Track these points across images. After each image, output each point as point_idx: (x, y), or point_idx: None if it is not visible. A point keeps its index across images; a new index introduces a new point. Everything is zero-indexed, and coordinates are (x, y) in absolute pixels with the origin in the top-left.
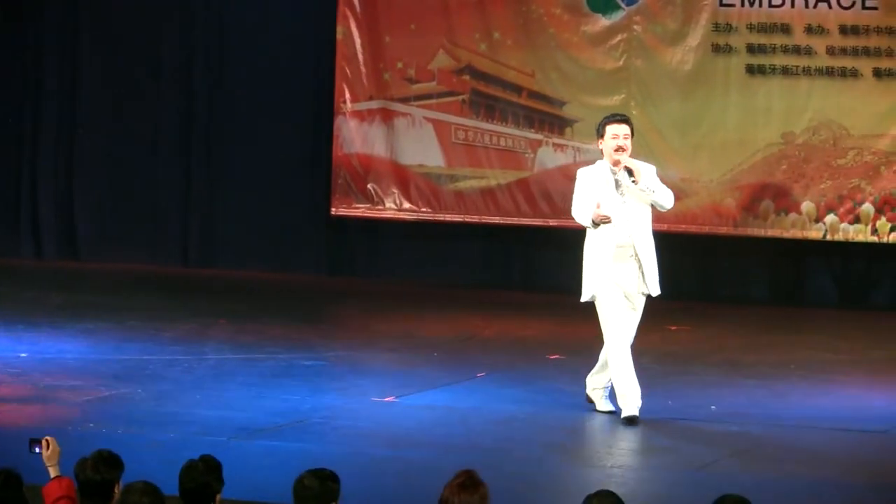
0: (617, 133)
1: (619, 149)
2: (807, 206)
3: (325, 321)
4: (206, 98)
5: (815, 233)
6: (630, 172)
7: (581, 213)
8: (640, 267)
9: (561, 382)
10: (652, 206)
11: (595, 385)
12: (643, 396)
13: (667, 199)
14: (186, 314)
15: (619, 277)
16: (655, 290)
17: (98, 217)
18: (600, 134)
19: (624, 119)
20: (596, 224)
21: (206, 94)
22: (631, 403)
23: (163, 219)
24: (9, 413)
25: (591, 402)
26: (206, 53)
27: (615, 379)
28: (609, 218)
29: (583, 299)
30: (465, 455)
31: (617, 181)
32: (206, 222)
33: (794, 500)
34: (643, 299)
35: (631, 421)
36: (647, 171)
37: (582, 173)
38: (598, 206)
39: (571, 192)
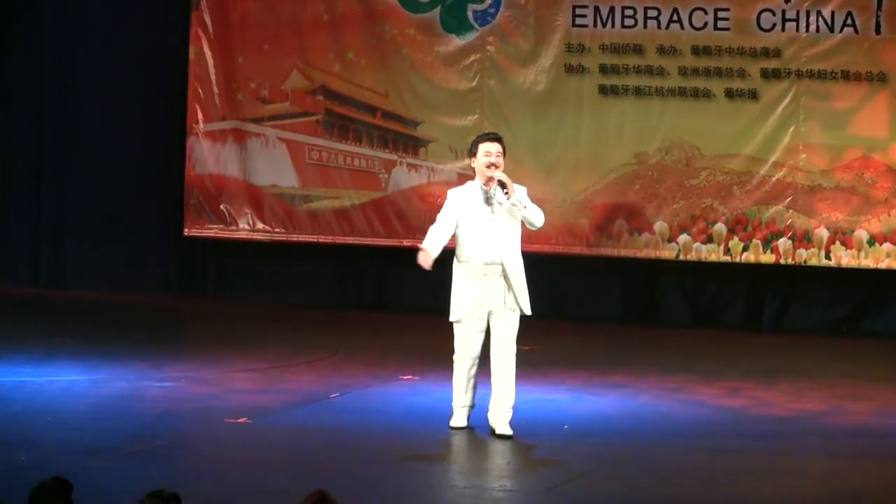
0: (490, 150)
1: (492, 165)
2: (660, 225)
3: (176, 342)
4: (55, 118)
5: (667, 252)
6: (503, 186)
7: (430, 236)
8: (508, 285)
9: (414, 403)
10: (522, 224)
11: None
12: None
13: (537, 217)
14: (36, 336)
15: (484, 296)
16: (527, 309)
17: None
18: (472, 153)
19: (496, 137)
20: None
21: (56, 113)
22: (460, 416)
23: (13, 239)
24: None
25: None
26: (56, 72)
27: (453, 394)
28: (426, 263)
29: (451, 319)
30: (317, 477)
31: (488, 198)
32: (56, 243)
33: None
34: (513, 315)
35: (458, 429)
36: (518, 191)
37: (451, 193)
38: (425, 251)
39: (426, 211)
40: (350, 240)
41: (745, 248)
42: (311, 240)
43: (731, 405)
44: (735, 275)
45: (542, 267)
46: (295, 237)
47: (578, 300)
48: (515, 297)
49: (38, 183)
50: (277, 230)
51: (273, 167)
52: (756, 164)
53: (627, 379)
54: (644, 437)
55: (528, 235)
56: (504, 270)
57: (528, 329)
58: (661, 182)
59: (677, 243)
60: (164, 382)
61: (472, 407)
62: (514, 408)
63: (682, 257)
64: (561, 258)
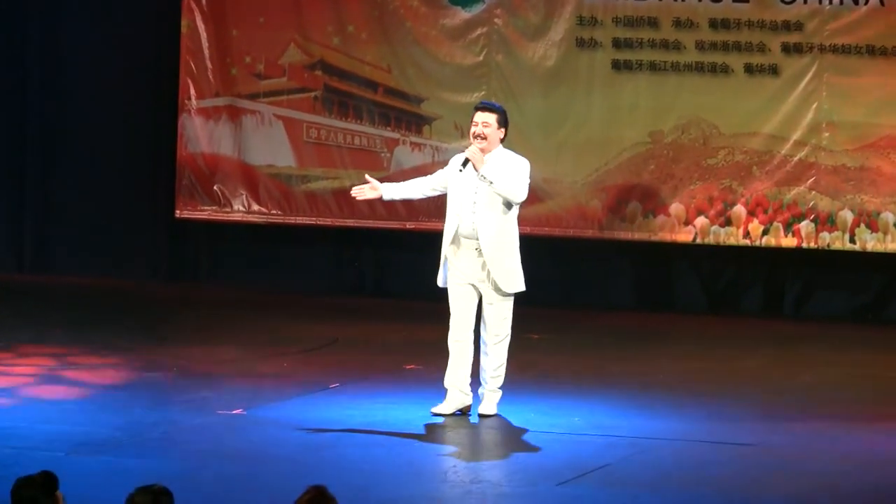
0: (477, 121)
1: (476, 136)
2: (676, 207)
3: (167, 330)
4: (41, 95)
5: (684, 236)
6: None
7: (408, 181)
8: (486, 262)
9: (417, 393)
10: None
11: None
12: (503, 404)
13: (511, 192)
14: (21, 322)
15: (463, 267)
16: (506, 288)
17: None
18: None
19: (485, 107)
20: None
21: (42, 91)
22: (453, 401)
23: None
24: None
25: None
26: (42, 48)
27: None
28: (360, 192)
29: (439, 284)
30: (315, 471)
31: (461, 170)
32: (42, 226)
33: None
34: (493, 294)
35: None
36: (505, 164)
37: (452, 160)
38: (372, 185)
39: None
40: (350, 222)
41: (765, 232)
42: (308, 222)
43: (748, 397)
44: (754, 259)
45: (552, 251)
46: (292, 219)
47: (590, 285)
48: (494, 277)
49: (22, 162)
50: (273, 212)
51: (269, 146)
52: (777, 144)
53: (640, 368)
54: (658, 430)
55: (538, 218)
56: (480, 247)
57: (537, 316)
58: (677, 162)
59: (694, 226)
60: (154, 371)
61: (468, 395)
62: (519, 399)
63: (698, 241)
64: (572, 241)
